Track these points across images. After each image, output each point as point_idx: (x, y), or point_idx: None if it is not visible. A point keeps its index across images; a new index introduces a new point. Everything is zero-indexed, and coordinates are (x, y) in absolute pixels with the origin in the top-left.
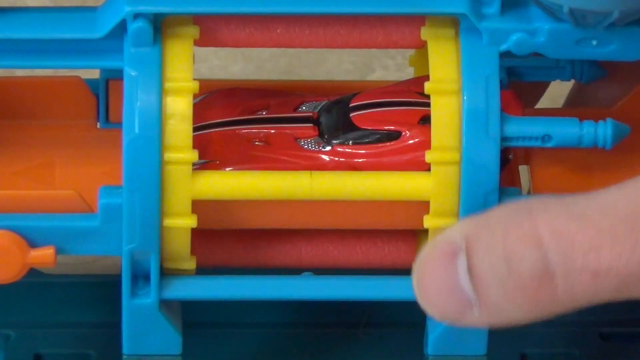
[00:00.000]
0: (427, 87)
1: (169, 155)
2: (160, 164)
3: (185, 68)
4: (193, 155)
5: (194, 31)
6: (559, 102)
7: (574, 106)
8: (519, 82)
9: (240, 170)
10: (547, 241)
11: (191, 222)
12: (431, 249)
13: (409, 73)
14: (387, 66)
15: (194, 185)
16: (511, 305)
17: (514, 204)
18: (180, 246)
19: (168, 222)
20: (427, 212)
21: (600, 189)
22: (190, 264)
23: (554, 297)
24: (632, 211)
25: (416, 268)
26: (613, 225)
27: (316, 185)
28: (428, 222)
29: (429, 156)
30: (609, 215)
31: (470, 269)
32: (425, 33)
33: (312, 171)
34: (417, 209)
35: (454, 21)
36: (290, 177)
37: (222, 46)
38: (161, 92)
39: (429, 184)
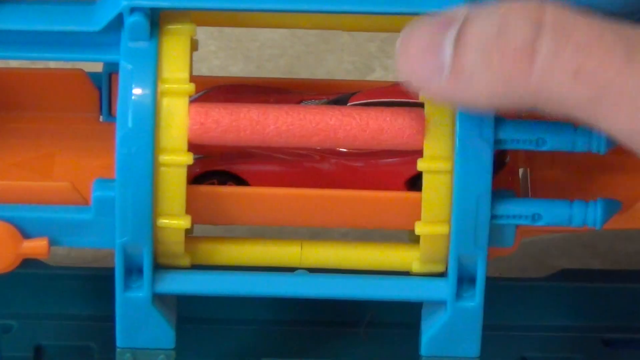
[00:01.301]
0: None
1: (162, 150)
2: (153, 158)
3: (182, 63)
4: (188, 158)
5: (191, 26)
6: None
7: None
8: None
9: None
10: (548, 23)
11: (185, 223)
12: (432, 16)
13: None
14: (387, 66)
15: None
16: (482, 71)
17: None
18: (173, 244)
19: (161, 221)
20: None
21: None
22: (184, 261)
23: (527, 78)
24: (636, 35)
25: (407, 27)
26: (616, 41)
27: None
28: (420, 228)
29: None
30: (617, 34)
31: (459, 34)
32: None
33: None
34: (410, 211)
35: None
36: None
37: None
38: (156, 87)
39: (415, 254)
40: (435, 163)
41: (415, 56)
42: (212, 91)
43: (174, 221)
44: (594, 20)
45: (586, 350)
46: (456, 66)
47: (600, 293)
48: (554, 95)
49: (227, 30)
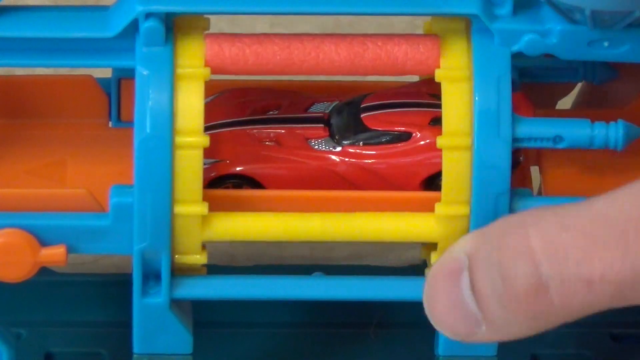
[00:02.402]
0: (438, 73)
1: (180, 154)
2: (172, 163)
3: (197, 67)
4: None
5: (205, 29)
6: (567, 103)
7: (584, 107)
8: (541, 84)
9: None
10: (540, 254)
11: (203, 209)
12: (439, 267)
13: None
14: None
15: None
16: (513, 319)
17: (510, 217)
18: (191, 241)
19: (179, 210)
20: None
21: (594, 196)
22: (201, 258)
23: (551, 309)
24: (623, 218)
25: (426, 286)
26: (604, 234)
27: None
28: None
29: (440, 141)
30: (600, 224)
31: (472, 286)
32: (435, 27)
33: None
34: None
35: (466, 22)
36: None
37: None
38: (173, 92)
39: (437, 228)
40: (455, 156)
41: (446, 315)
42: (223, 94)
43: (192, 209)
44: (576, 222)
45: (595, 346)
46: (486, 316)
47: None
48: (583, 306)
49: (227, 30)
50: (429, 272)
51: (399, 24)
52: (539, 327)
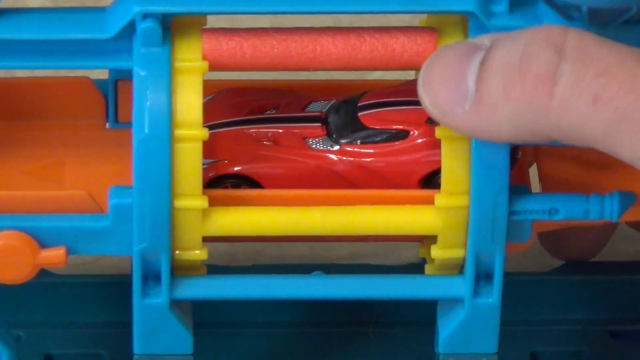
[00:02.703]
0: None
1: (180, 148)
2: (171, 162)
3: (194, 61)
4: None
5: (202, 26)
6: None
7: None
8: None
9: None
10: (569, 50)
11: (203, 202)
12: (458, 43)
13: (409, 73)
14: None
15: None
16: (504, 101)
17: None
18: (191, 236)
19: (179, 204)
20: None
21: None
22: (202, 254)
23: (547, 107)
24: None
25: (433, 54)
26: (634, 67)
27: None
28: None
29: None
30: (635, 59)
31: (483, 62)
32: (432, 24)
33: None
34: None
35: (462, 19)
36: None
37: None
38: (170, 91)
39: (437, 220)
40: (454, 147)
41: (438, 84)
42: (221, 94)
43: (192, 203)
44: (616, 46)
45: (594, 343)
46: (479, 95)
47: (606, 285)
48: (573, 124)
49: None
50: (445, 44)
51: (397, 22)
52: (523, 122)
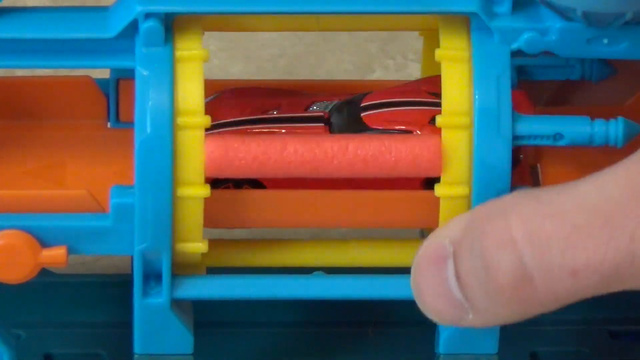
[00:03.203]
0: (437, 53)
1: (182, 135)
2: (173, 163)
3: (194, 55)
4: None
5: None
6: None
7: (583, 105)
8: (528, 81)
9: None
10: (522, 244)
11: (205, 191)
12: (424, 252)
13: (408, 73)
14: (387, 66)
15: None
16: (498, 308)
17: (492, 203)
18: (193, 226)
19: (181, 192)
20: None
21: (574, 181)
22: (203, 246)
23: (537, 298)
24: (606, 204)
25: (412, 270)
26: (587, 221)
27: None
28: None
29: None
30: (584, 210)
31: (456, 274)
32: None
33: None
34: (428, 209)
35: (465, 20)
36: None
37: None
38: (173, 92)
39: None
40: (455, 159)
41: (433, 301)
42: (223, 94)
43: (194, 191)
44: (559, 205)
45: (593, 343)
46: (474, 307)
47: None
48: (569, 294)
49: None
50: (416, 256)
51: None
52: (525, 314)
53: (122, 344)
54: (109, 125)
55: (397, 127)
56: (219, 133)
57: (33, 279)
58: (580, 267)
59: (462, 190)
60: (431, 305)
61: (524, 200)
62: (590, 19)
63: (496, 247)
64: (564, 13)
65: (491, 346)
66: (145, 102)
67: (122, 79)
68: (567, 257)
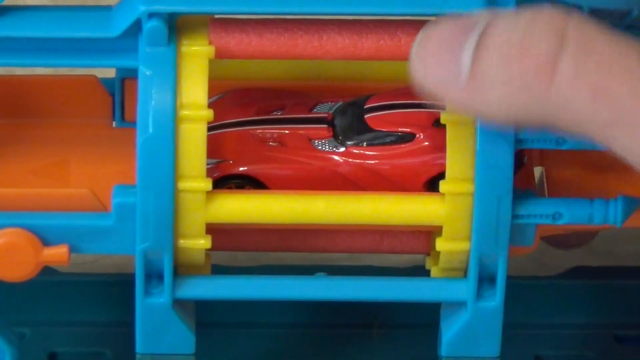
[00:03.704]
0: None
1: (184, 128)
2: (175, 163)
3: (200, 68)
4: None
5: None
6: None
7: None
8: None
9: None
10: (571, 39)
11: (207, 184)
12: (454, 17)
13: None
14: None
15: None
16: (501, 81)
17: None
18: (195, 221)
19: (183, 186)
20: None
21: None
22: (206, 243)
23: (546, 93)
24: None
25: (429, 24)
26: (635, 63)
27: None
28: (440, 245)
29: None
30: (637, 54)
31: (480, 39)
32: None
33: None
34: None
35: None
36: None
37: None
38: (175, 92)
39: (442, 209)
40: (457, 169)
41: (432, 60)
42: (228, 94)
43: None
44: (617, 40)
45: (599, 347)
46: (475, 72)
47: (612, 290)
48: (571, 114)
49: None
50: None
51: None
52: (520, 104)
53: (126, 343)
54: (114, 124)
55: (400, 129)
56: (221, 21)
57: (37, 277)
58: (603, 90)
59: (466, 187)
60: (425, 57)
61: (589, 21)
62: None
63: (545, 27)
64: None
65: (493, 349)
66: (148, 101)
67: (128, 79)
68: (600, 75)
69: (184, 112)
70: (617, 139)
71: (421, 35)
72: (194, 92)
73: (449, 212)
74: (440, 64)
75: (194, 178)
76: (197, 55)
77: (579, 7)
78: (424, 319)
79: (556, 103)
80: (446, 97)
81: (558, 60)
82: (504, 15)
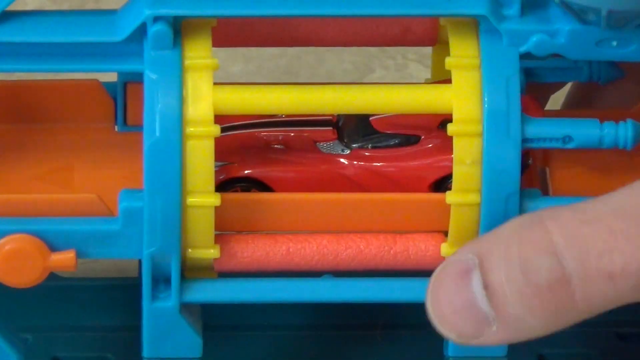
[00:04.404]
0: (447, 61)
1: (191, 145)
2: (182, 167)
3: (205, 58)
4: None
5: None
6: (558, 103)
7: (593, 107)
8: (533, 83)
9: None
10: (562, 247)
11: (215, 200)
12: (443, 270)
13: (409, 73)
14: (387, 66)
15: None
16: (530, 316)
17: (523, 216)
18: (204, 234)
19: (191, 202)
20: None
21: (609, 192)
22: (215, 252)
23: (573, 304)
24: None
25: (429, 291)
26: (625, 226)
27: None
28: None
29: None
30: (620, 217)
31: (486, 285)
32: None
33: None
34: (437, 213)
35: (475, 22)
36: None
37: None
38: (182, 96)
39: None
40: (464, 163)
41: (453, 317)
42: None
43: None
44: (595, 211)
45: (601, 345)
46: (501, 314)
47: None
48: (605, 300)
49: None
50: (433, 275)
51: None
52: (557, 324)
53: (130, 348)
54: (116, 129)
55: (405, 132)
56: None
57: (42, 282)
58: (617, 270)
59: (473, 197)
60: (450, 320)
61: (559, 210)
62: (612, 19)
63: (535, 251)
64: (581, 14)
65: (500, 349)
66: (154, 105)
67: (130, 83)
68: (605, 261)
69: (191, 129)
70: None
71: (430, 302)
72: (200, 107)
73: (455, 219)
74: (465, 321)
75: (203, 194)
76: (202, 69)
77: (596, 11)
78: (425, 319)
79: (585, 306)
80: (485, 342)
81: (565, 274)
82: (488, 251)
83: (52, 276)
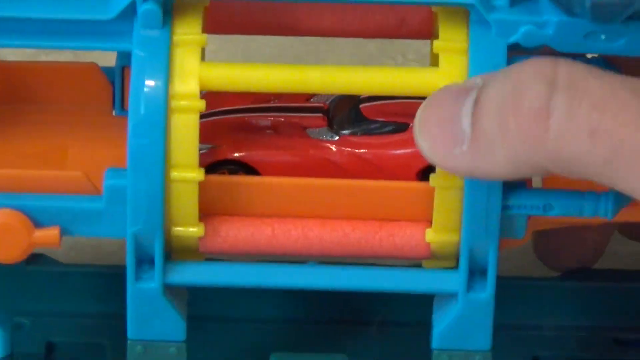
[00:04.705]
0: (435, 45)
1: (176, 118)
2: (165, 146)
3: (192, 40)
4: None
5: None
6: None
7: None
8: None
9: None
10: (561, 82)
11: (199, 174)
12: (450, 85)
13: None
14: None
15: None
16: (500, 139)
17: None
18: (188, 210)
19: (175, 176)
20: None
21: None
22: (199, 231)
23: (543, 141)
24: None
25: (428, 98)
26: (630, 98)
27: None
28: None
29: None
30: (631, 90)
31: (476, 101)
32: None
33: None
34: (423, 202)
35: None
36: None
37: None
38: (168, 75)
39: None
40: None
41: (434, 129)
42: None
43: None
44: (608, 76)
45: (598, 350)
46: (475, 136)
47: (611, 292)
48: (570, 157)
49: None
50: (436, 90)
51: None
52: (519, 159)
53: (124, 334)
54: (114, 113)
55: (394, 119)
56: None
57: (37, 267)
58: (600, 130)
59: (457, 180)
60: (429, 129)
61: (576, 62)
62: (597, 12)
63: (534, 75)
64: (569, 6)
65: (485, 342)
66: (141, 84)
67: (128, 67)
68: (594, 115)
69: (176, 102)
70: (618, 175)
71: (421, 108)
72: (187, 81)
73: (439, 203)
74: (442, 133)
75: (187, 168)
76: (190, 44)
77: (582, 1)
78: (422, 316)
79: (555, 149)
80: (451, 164)
81: (550, 106)
82: (494, 75)
83: (50, 262)
